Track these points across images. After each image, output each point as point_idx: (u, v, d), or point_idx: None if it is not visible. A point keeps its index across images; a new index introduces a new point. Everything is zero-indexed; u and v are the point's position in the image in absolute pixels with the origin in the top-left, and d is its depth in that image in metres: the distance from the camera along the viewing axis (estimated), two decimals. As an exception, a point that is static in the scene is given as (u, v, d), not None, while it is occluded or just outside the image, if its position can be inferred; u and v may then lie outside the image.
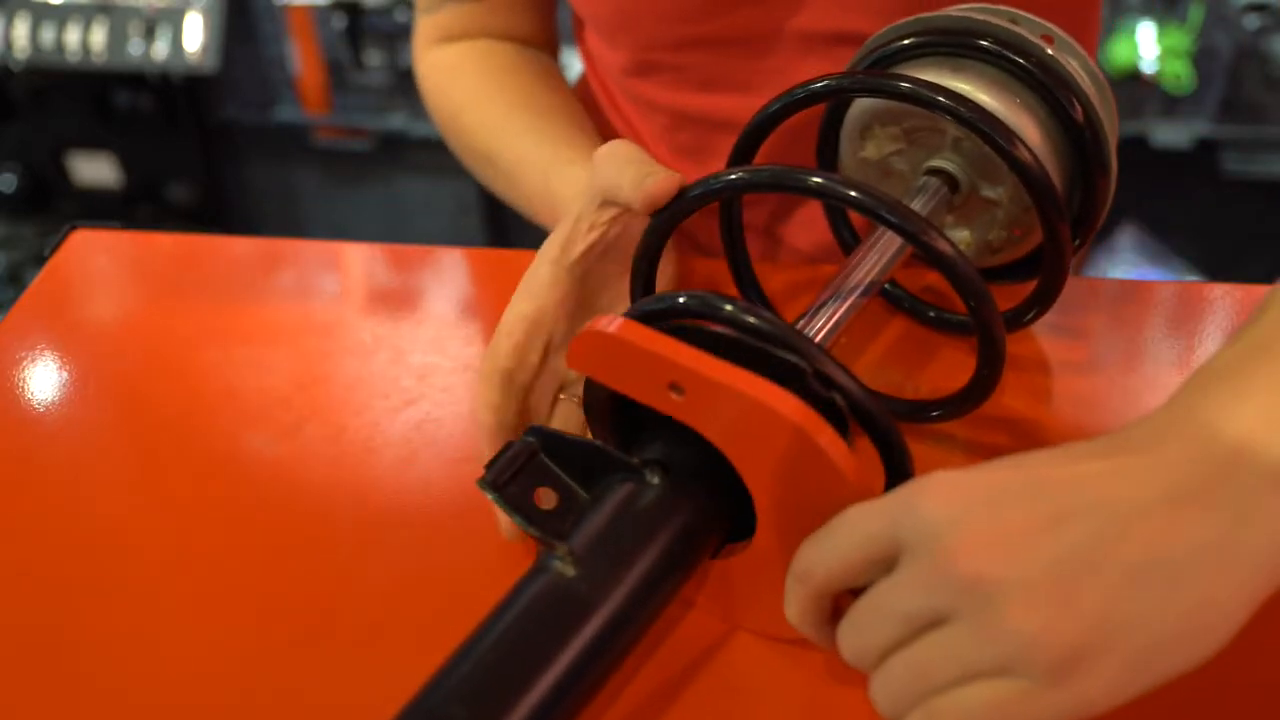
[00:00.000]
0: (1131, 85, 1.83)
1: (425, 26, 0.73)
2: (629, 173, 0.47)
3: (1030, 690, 0.30)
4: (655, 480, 0.39)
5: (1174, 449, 0.32)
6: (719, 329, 0.39)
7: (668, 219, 0.46)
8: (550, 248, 0.49)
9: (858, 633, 0.34)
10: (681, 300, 0.40)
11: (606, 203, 0.48)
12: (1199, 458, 0.31)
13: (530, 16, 0.72)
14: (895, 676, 0.33)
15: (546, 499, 0.39)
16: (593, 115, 0.78)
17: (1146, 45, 1.81)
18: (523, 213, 0.64)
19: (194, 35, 1.94)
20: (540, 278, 0.48)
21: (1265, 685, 0.41)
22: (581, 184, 0.54)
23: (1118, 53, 1.81)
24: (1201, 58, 1.81)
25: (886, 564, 0.34)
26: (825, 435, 0.36)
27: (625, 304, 0.51)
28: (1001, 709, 0.30)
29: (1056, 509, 0.31)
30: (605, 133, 0.77)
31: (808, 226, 0.71)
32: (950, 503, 0.32)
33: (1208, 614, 0.30)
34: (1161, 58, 1.80)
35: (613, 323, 0.39)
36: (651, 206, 0.46)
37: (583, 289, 0.50)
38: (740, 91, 0.66)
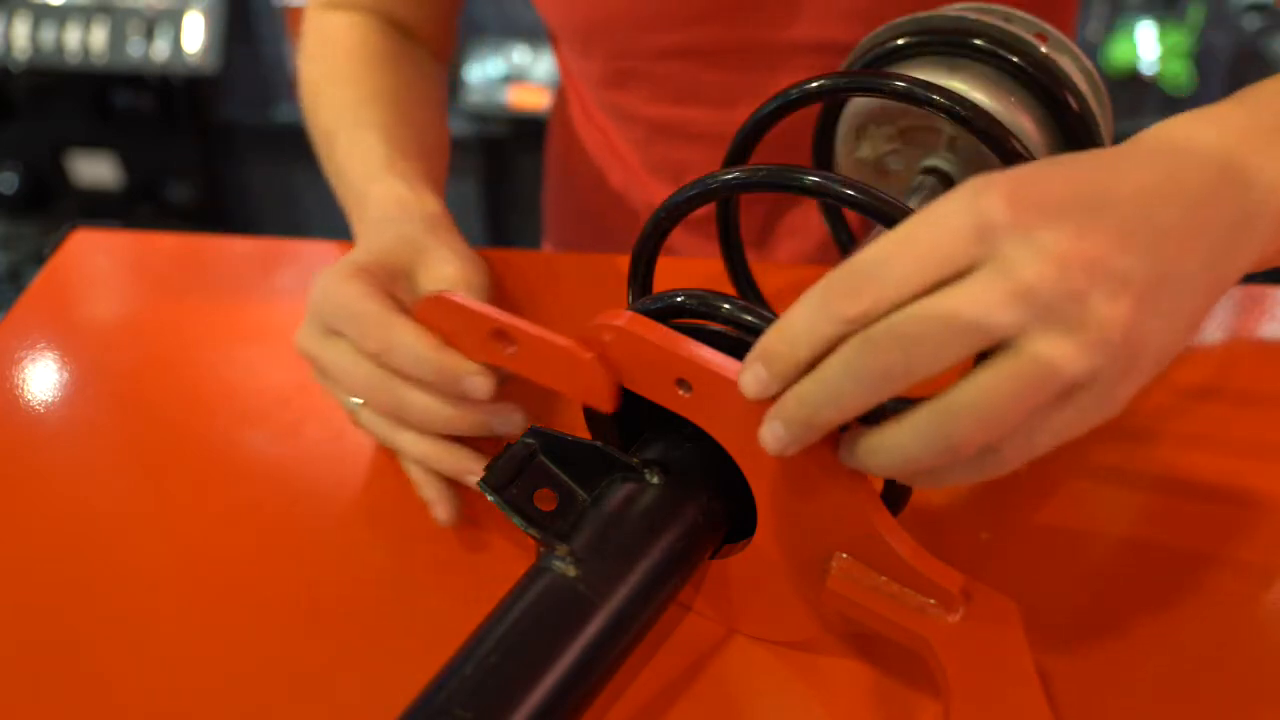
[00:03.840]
0: (1131, 85, 1.83)
1: None
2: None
3: (1112, 383, 0.32)
4: (655, 480, 0.40)
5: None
6: (717, 327, 0.39)
7: (666, 218, 0.46)
8: (359, 253, 0.49)
9: (916, 345, 0.31)
10: (680, 299, 0.40)
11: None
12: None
13: (423, 7, 0.70)
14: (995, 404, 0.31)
15: (546, 500, 0.39)
16: (569, 128, 0.78)
17: (1146, 45, 1.81)
18: (337, 197, 0.62)
19: (194, 35, 1.94)
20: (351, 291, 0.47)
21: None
22: (393, 196, 0.54)
23: (1118, 53, 1.81)
24: (1201, 58, 1.81)
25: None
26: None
27: (437, 269, 0.51)
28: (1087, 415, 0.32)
29: (1122, 228, 0.32)
30: (582, 145, 0.76)
31: (801, 233, 0.71)
32: (1027, 213, 0.31)
33: (1197, 321, 0.34)
34: (1161, 58, 1.81)
35: (621, 317, 0.39)
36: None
37: (395, 260, 0.50)
38: (718, 105, 0.65)
